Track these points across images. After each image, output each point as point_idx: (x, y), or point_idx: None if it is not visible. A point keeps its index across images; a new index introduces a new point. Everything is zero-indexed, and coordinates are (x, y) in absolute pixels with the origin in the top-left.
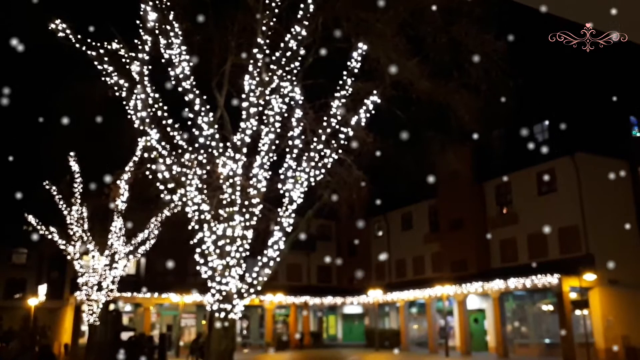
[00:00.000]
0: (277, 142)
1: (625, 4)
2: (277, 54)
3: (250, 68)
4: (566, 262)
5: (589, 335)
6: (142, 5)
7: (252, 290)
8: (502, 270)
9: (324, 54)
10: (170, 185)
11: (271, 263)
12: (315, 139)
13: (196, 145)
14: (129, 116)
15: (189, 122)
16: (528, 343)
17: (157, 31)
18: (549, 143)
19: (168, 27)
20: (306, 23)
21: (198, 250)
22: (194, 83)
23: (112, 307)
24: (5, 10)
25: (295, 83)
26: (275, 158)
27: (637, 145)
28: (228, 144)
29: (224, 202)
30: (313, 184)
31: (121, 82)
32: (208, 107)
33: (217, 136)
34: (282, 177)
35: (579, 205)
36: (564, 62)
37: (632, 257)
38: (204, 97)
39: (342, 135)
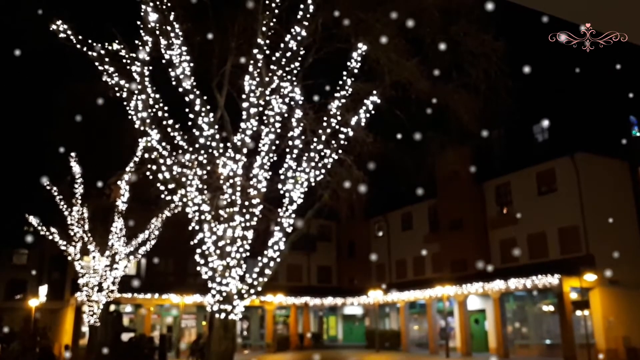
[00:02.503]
0: (277, 142)
1: (625, 4)
2: (277, 54)
3: (251, 68)
4: (566, 262)
5: (590, 335)
6: (143, 6)
7: (252, 291)
8: (503, 270)
9: (323, 54)
10: (171, 186)
11: (271, 264)
12: (315, 139)
13: (196, 145)
14: (129, 117)
15: (190, 123)
16: (528, 344)
17: (157, 32)
18: (549, 143)
19: (168, 28)
20: (306, 24)
21: (198, 250)
22: (194, 84)
23: (112, 308)
24: (7, 11)
25: (295, 83)
26: (275, 158)
27: (637, 144)
28: (228, 144)
29: (224, 202)
30: (313, 184)
31: (122, 82)
32: (208, 107)
33: (217, 137)
34: (282, 177)
35: (579, 205)
36: (564, 61)
37: (632, 257)
38: (205, 97)
39: (342, 136)
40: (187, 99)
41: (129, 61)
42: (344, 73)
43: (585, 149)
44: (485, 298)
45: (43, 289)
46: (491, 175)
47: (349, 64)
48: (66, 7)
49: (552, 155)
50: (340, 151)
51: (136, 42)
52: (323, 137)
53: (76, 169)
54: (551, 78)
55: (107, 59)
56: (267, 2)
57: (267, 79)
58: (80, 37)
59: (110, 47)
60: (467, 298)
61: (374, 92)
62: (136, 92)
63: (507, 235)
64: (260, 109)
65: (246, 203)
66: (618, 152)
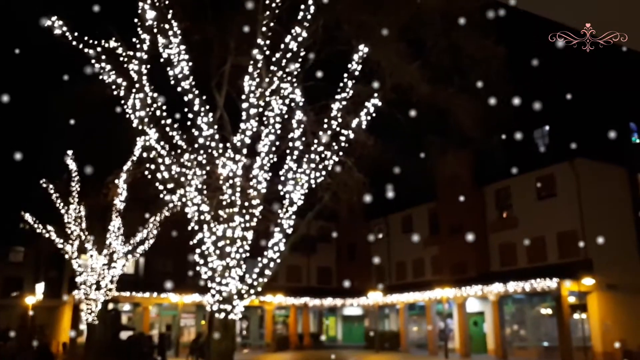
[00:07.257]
0: (277, 143)
1: (625, 9)
2: (278, 55)
3: (250, 69)
4: (565, 266)
5: (587, 338)
6: (141, 4)
7: (252, 291)
8: (502, 273)
9: (324, 56)
10: (170, 186)
11: (271, 264)
12: (315, 141)
13: (196, 145)
14: (127, 115)
15: (189, 123)
16: (527, 346)
17: (155, 30)
18: (549, 148)
19: (167, 26)
20: (307, 25)
21: (198, 250)
22: (193, 83)
23: (110, 306)
24: (5, 10)
25: (295, 85)
26: (275, 159)
27: (636, 151)
28: (228, 144)
29: (224, 203)
30: (313, 185)
31: (119, 81)
32: (207, 107)
33: (216, 137)
34: (282, 178)
35: (578, 210)
36: (564, 67)
37: (630, 262)
38: (204, 97)
39: (342, 138)
40: (186, 98)
41: (126, 59)
42: (345, 75)
43: (585, 154)
44: (484, 300)
45: (40, 287)
46: (491, 180)
47: (349, 66)
48: (62, 3)
49: (552, 161)
50: (340, 153)
51: (134, 40)
52: (324, 139)
53: (72, 166)
54: (552, 83)
55: (104, 57)
56: (267, 2)
57: (267, 79)
58: (76, 34)
59: (107, 45)
60: (466, 300)
61: (375, 94)
62: (134, 90)
63: (507, 239)
64: (260, 109)
65: (246, 204)
66: (617, 158)
